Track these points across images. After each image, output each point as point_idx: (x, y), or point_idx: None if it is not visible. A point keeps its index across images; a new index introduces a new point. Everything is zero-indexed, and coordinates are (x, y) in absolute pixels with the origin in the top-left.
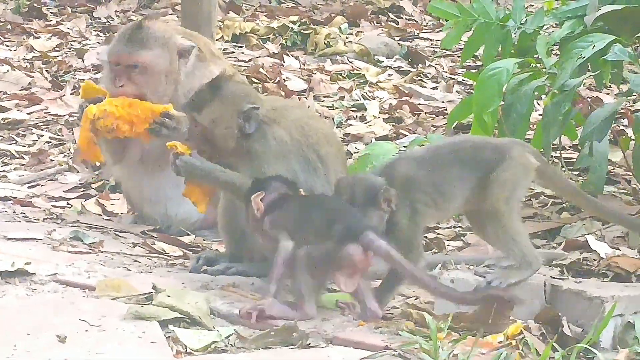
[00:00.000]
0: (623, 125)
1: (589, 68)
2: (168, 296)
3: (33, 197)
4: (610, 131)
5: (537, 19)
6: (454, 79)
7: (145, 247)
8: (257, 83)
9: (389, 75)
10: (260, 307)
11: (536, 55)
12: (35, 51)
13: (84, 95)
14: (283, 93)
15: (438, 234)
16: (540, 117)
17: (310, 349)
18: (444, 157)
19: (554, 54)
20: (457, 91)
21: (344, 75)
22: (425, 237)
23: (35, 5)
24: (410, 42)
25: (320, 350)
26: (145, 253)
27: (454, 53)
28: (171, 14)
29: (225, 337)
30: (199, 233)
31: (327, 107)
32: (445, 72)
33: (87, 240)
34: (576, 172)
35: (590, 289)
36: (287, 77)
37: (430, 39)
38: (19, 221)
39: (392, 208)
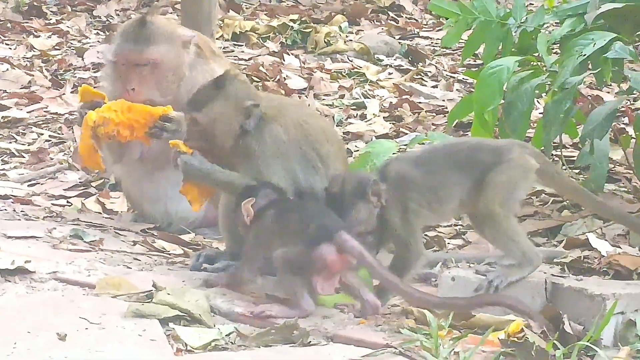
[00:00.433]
0: (624, 123)
1: (590, 66)
2: (168, 294)
3: (33, 195)
4: (610, 129)
5: (537, 17)
6: (454, 77)
7: (145, 245)
8: (257, 82)
9: (389, 73)
10: (260, 309)
11: (537, 54)
12: (35, 50)
13: (81, 99)
14: (283, 91)
15: (439, 232)
16: (541, 115)
17: (311, 346)
18: (439, 158)
19: (554, 52)
20: (457, 90)
21: (344, 74)
22: (426, 235)
23: (35, 3)
24: (411, 40)
25: (321, 348)
26: (146, 251)
27: (454, 52)
28: (171, 13)
29: (226, 335)
30: (199, 231)
31: (327, 105)
32: (446, 70)
33: (87, 238)
34: (577, 170)
35: (592, 287)
36: (287, 76)
37: (431, 38)
38: (19, 219)
39: (382, 203)
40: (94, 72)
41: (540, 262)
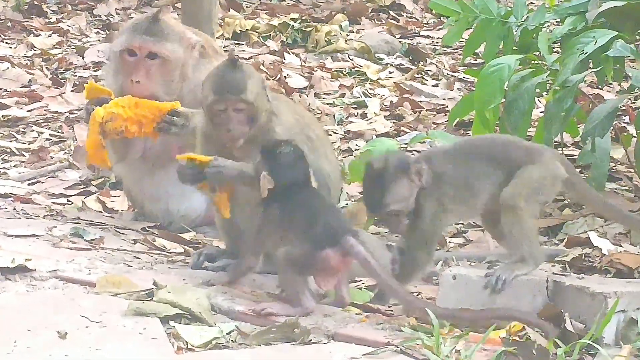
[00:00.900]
0: (625, 122)
1: (591, 64)
2: (169, 292)
3: (33, 194)
4: (612, 128)
5: (538, 15)
6: (455, 76)
7: (146, 243)
8: None
9: (390, 72)
10: (261, 307)
11: (538, 52)
12: (35, 49)
13: (88, 96)
14: (284, 90)
15: None
16: (542, 114)
17: (311, 345)
18: (473, 151)
19: (555, 51)
20: (458, 88)
21: (345, 73)
22: None
23: (36, 2)
24: (411, 39)
25: (321, 346)
26: (146, 249)
27: (455, 50)
28: (172, 12)
29: (227, 334)
30: (200, 230)
31: (328, 104)
32: (446, 69)
33: (87, 236)
34: (578, 169)
35: (593, 285)
36: (287, 75)
37: (431, 37)
38: (19, 218)
39: (422, 183)
40: (95, 71)
41: (543, 261)
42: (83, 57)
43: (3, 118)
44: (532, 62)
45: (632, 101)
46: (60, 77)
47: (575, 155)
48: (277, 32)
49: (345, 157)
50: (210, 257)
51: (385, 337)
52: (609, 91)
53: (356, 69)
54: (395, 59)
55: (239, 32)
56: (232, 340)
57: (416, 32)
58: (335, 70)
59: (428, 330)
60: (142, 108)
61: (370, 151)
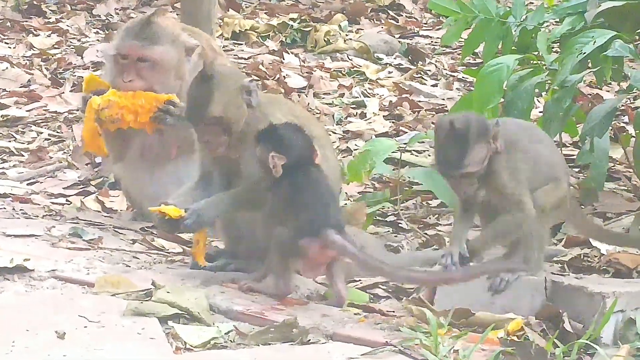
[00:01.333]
0: (624, 122)
1: (590, 64)
2: (167, 292)
3: (32, 194)
4: (611, 128)
5: (537, 15)
6: (454, 76)
7: (144, 243)
8: (256, 80)
9: (389, 72)
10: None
11: (537, 52)
12: (34, 48)
13: (86, 88)
14: (283, 90)
15: (438, 230)
16: (541, 113)
17: (310, 345)
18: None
19: (554, 51)
20: (457, 88)
21: (344, 73)
22: (425, 233)
23: (35, 2)
24: (410, 39)
25: (320, 346)
26: (145, 249)
27: (454, 50)
28: (171, 12)
29: (225, 333)
30: None
31: (327, 104)
32: (445, 69)
33: (86, 236)
34: (577, 169)
35: (591, 285)
36: (286, 75)
37: (430, 37)
38: (18, 218)
39: (497, 147)
40: (94, 71)
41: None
42: (82, 57)
43: (2, 118)
44: (531, 62)
45: (631, 101)
46: (59, 77)
47: (574, 155)
48: (276, 32)
49: (344, 157)
50: (209, 257)
51: (384, 337)
52: (608, 91)
53: (355, 68)
54: (395, 58)
55: (238, 32)
56: (230, 340)
57: (415, 32)
58: (334, 70)
59: (426, 330)
60: (138, 98)
61: (369, 151)
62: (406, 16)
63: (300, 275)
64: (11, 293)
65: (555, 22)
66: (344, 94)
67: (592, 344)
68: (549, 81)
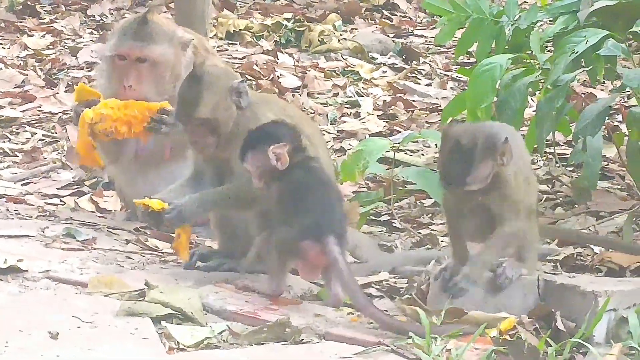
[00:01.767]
0: (617, 121)
1: (583, 63)
2: (161, 292)
3: (26, 194)
4: (604, 127)
5: (530, 14)
6: (448, 75)
7: (138, 243)
8: (250, 80)
9: (383, 72)
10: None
11: (530, 51)
12: (29, 49)
13: (77, 98)
14: (277, 90)
15: (432, 230)
16: (534, 112)
17: (303, 344)
18: None
19: (547, 50)
20: (451, 88)
21: (338, 72)
22: (419, 232)
23: (29, 3)
24: (405, 39)
25: (313, 345)
26: (138, 250)
27: (448, 50)
28: (165, 12)
29: (218, 333)
30: (193, 230)
31: (321, 104)
32: (439, 68)
33: (80, 237)
34: (570, 168)
35: (584, 284)
36: (281, 74)
37: (425, 36)
38: (12, 218)
39: (504, 162)
40: (88, 71)
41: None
42: (76, 58)
43: None
44: (524, 61)
45: (625, 100)
46: (53, 77)
47: (567, 154)
48: (271, 32)
49: (338, 156)
50: (202, 257)
51: (376, 336)
52: (601, 90)
53: (349, 68)
54: (389, 58)
55: (232, 32)
56: (223, 340)
57: (410, 31)
58: (328, 70)
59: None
60: (131, 109)
61: (362, 150)
62: (400, 16)
63: (295, 275)
64: (5, 294)
65: (548, 21)
66: (338, 93)
67: (584, 343)
68: (542, 80)
